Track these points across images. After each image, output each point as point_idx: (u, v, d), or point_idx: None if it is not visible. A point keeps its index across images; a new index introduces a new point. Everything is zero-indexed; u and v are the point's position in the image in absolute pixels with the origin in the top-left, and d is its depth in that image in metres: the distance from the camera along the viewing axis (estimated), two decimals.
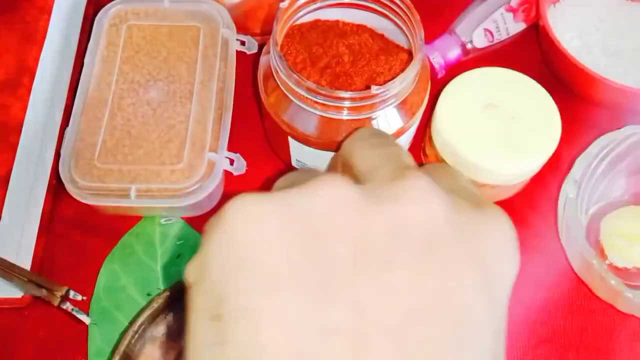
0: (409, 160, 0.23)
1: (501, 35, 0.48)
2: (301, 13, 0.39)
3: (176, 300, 0.37)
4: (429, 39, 0.47)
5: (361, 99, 0.34)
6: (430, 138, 0.41)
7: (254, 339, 0.16)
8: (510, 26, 0.48)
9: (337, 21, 0.41)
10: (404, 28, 0.38)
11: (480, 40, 0.48)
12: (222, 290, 0.17)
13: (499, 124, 0.38)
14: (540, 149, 0.38)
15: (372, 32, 0.41)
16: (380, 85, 0.34)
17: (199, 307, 0.17)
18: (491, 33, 0.48)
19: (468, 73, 0.40)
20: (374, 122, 0.36)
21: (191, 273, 0.18)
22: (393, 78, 0.34)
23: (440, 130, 0.38)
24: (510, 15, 0.48)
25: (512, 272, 0.19)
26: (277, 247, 0.17)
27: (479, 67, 0.41)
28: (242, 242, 0.17)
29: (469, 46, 0.48)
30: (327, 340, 0.16)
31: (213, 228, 0.18)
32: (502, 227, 0.19)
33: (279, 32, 0.37)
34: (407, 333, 0.16)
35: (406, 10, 0.36)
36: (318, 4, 0.39)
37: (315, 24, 0.41)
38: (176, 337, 0.38)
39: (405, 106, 0.37)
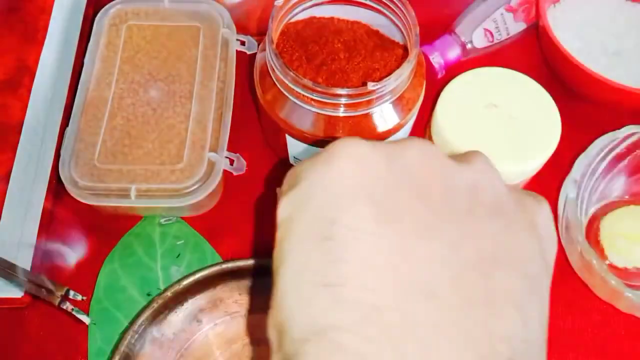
0: None
1: (501, 35, 0.48)
2: (296, 10, 0.39)
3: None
4: (429, 39, 0.47)
5: (358, 95, 0.34)
6: (430, 138, 0.41)
7: (368, 259, 0.17)
8: (510, 26, 0.48)
9: (332, 18, 0.41)
10: (399, 24, 0.38)
11: (480, 41, 0.48)
12: (334, 214, 0.18)
13: (499, 124, 0.38)
14: (541, 149, 0.38)
15: (367, 29, 0.41)
16: (377, 81, 0.34)
17: (302, 231, 0.18)
18: (491, 33, 0.48)
19: (468, 73, 0.40)
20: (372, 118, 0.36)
21: (288, 206, 0.19)
22: (389, 74, 0.34)
23: (441, 130, 0.38)
24: (510, 15, 0.48)
25: (554, 250, 0.22)
26: (384, 182, 0.19)
27: (479, 67, 0.41)
28: (354, 173, 0.18)
29: (469, 46, 0.48)
30: (430, 268, 0.17)
31: (316, 163, 0.19)
32: (547, 210, 0.22)
33: (275, 29, 0.37)
34: (491, 275, 0.18)
35: (401, 6, 0.36)
36: (313, 1, 0.39)
37: (310, 21, 0.41)
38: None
39: (401, 102, 0.37)
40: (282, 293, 0.18)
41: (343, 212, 0.18)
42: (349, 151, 0.19)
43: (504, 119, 0.38)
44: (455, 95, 0.39)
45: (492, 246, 0.19)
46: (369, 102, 0.35)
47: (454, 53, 0.47)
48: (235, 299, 0.39)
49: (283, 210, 0.19)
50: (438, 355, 0.16)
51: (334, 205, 0.18)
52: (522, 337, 0.18)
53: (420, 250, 0.18)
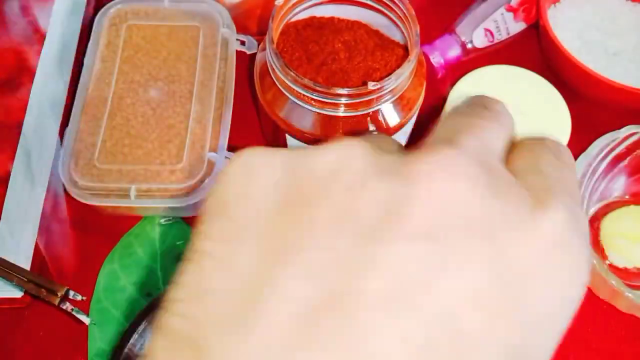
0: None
1: (501, 35, 0.48)
2: (296, 10, 0.39)
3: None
4: (429, 38, 0.47)
5: (358, 95, 0.34)
6: None
7: (199, 282, 0.16)
8: (511, 26, 0.48)
9: (332, 18, 0.41)
10: (399, 23, 0.38)
11: (480, 40, 0.48)
12: (197, 233, 0.17)
13: None
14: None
15: (367, 28, 0.41)
16: (377, 81, 0.34)
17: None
18: (491, 33, 0.48)
19: (474, 72, 0.40)
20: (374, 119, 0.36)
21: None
22: (389, 74, 0.34)
23: None
24: (511, 15, 0.48)
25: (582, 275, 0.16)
26: (258, 200, 0.16)
27: (479, 66, 0.41)
28: (232, 189, 0.17)
29: (469, 46, 0.48)
30: (276, 302, 0.14)
31: (220, 174, 0.18)
32: (557, 218, 0.16)
33: (275, 29, 0.37)
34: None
35: (401, 6, 0.36)
36: (313, 1, 0.39)
37: (311, 20, 0.41)
38: None
39: (402, 102, 0.37)
40: None
41: (201, 232, 0.17)
42: (242, 162, 0.18)
43: (514, 116, 0.38)
44: (464, 95, 0.39)
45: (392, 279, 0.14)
46: (369, 101, 0.35)
47: (454, 53, 0.47)
48: None
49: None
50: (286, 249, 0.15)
51: (202, 224, 0.17)
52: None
53: (264, 277, 0.15)
